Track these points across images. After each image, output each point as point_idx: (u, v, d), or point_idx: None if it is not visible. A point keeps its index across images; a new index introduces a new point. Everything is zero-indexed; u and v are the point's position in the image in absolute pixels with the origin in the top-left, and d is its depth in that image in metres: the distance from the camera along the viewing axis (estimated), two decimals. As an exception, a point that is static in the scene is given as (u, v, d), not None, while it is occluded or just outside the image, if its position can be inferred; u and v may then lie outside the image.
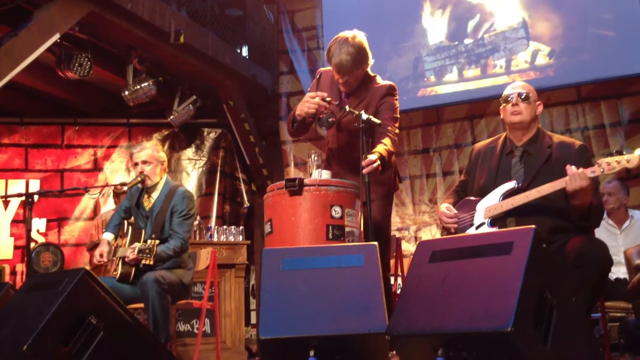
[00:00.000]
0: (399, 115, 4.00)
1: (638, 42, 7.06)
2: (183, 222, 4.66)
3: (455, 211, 3.65)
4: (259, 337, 2.84)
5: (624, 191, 5.22)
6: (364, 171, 3.52)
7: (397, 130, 3.93)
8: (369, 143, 3.64)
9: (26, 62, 5.83)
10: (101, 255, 4.64)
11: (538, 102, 3.61)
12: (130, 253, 4.38)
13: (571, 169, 3.18)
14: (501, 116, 3.68)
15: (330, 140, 4.14)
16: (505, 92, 3.65)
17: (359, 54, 3.80)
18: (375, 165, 3.51)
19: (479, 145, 3.84)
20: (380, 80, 4.04)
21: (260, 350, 2.94)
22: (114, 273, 4.51)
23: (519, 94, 3.56)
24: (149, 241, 4.36)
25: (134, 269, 4.49)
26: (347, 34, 3.84)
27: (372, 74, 4.04)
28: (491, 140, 3.81)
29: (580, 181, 3.14)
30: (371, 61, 3.93)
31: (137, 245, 4.39)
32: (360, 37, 3.84)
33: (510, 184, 3.44)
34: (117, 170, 8.53)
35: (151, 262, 4.31)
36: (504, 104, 3.62)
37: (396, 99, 4.00)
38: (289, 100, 9.06)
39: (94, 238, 7.47)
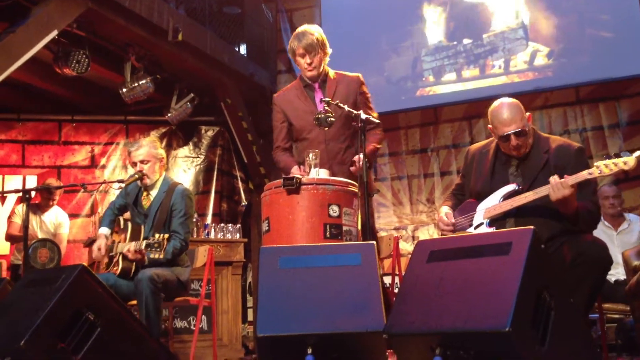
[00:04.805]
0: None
1: (637, 43, 7.07)
2: (184, 222, 4.58)
3: (454, 220, 3.64)
4: (256, 334, 2.84)
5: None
6: (352, 169, 3.90)
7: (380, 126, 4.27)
8: (362, 140, 3.68)
9: (24, 58, 5.80)
10: (99, 249, 4.59)
11: (527, 115, 3.46)
12: (135, 247, 4.28)
13: (554, 178, 3.19)
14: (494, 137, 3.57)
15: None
16: (497, 128, 3.43)
17: (321, 37, 4.21)
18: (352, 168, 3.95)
19: (474, 147, 3.81)
20: (343, 71, 4.36)
21: (258, 348, 2.93)
22: (114, 269, 4.45)
23: (516, 135, 3.38)
24: (156, 235, 4.24)
25: (134, 264, 4.45)
26: (301, 27, 4.26)
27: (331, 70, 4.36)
28: (485, 143, 3.75)
29: (563, 190, 3.16)
30: (329, 50, 4.27)
31: (143, 241, 4.28)
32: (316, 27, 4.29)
33: (511, 186, 3.43)
34: (114, 167, 8.52)
35: (161, 257, 4.18)
36: (502, 141, 3.47)
37: (367, 89, 4.36)
38: (286, 98, 9.02)
39: (91, 234, 7.47)
